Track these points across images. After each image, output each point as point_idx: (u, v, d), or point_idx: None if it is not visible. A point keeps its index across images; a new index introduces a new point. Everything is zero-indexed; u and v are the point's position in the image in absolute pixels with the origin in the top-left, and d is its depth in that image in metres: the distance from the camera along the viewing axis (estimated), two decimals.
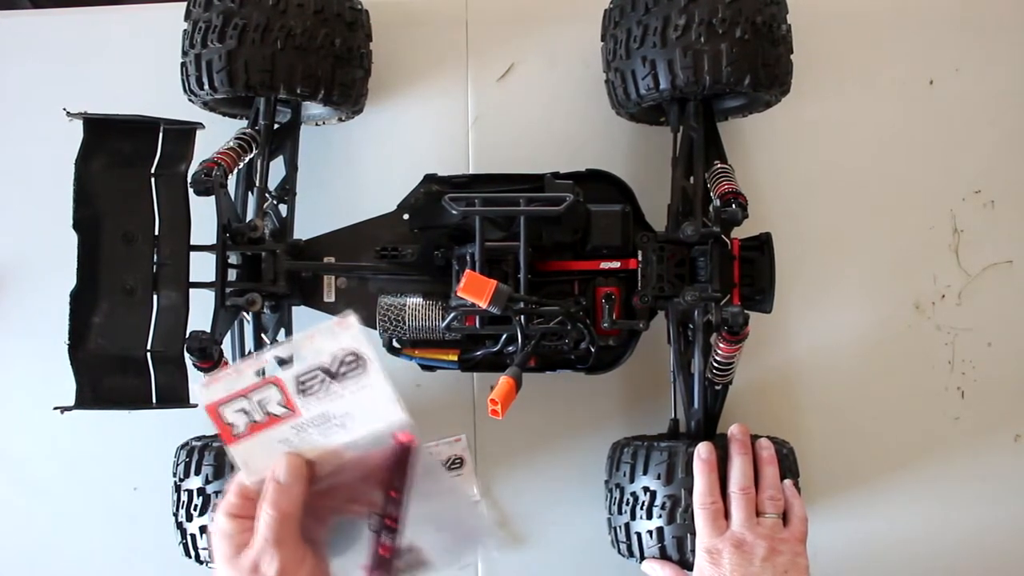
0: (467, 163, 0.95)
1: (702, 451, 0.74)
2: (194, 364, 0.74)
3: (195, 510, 0.77)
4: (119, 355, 0.74)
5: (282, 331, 0.84)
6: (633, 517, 0.77)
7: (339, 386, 0.56)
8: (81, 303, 0.74)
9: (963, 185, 0.94)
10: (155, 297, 0.76)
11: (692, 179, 0.83)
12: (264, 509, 0.56)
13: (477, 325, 0.78)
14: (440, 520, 0.62)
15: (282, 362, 0.56)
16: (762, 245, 0.81)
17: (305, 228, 0.86)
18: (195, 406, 0.70)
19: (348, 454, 0.58)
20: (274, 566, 0.55)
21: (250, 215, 0.83)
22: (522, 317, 0.75)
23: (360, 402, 0.56)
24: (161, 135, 0.76)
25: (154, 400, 0.74)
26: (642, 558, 0.78)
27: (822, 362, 0.93)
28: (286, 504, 0.56)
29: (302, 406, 0.56)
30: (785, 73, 0.81)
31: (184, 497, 0.77)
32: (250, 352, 0.81)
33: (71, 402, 0.72)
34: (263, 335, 0.81)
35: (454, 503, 0.63)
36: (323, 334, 0.56)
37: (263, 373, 0.57)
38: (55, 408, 0.71)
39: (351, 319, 0.56)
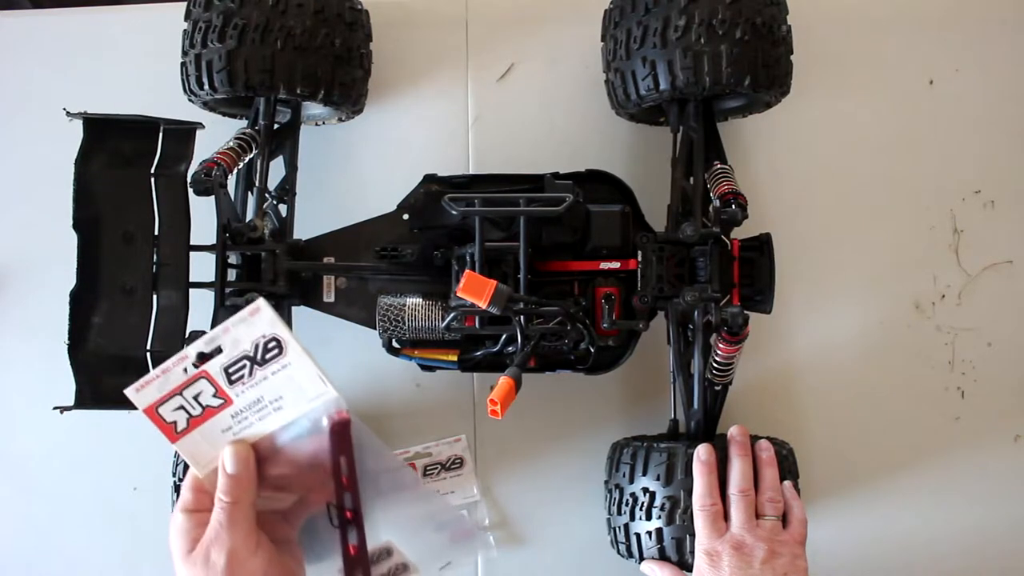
0: (467, 163, 0.95)
1: (701, 453, 0.74)
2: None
3: None
4: (119, 355, 0.74)
5: None
6: (632, 518, 0.77)
7: (265, 371, 0.57)
8: (81, 303, 0.74)
9: (963, 185, 0.94)
10: (155, 297, 0.76)
11: (692, 179, 0.83)
12: (217, 497, 0.57)
13: (477, 325, 0.78)
14: (415, 520, 0.62)
15: (204, 356, 0.57)
16: (762, 245, 0.81)
17: (305, 228, 0.86)
18: None
19: (286, 435, 0.59)
20: (223, 551, 0.55)
21: (250, 215, 0.83)
22: (522, 317, 0.75)
23: (288, 383, 0.57)
24: (161, 135, 0.76)
25: None
26: (641, 559, 0.78)
27: (822, 362, 0.92)
28: (236, 490, 0.56)
29: (235, 394, 0.57)
30: (785, 74, 0.81)
31: None
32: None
33: (71, 402, 0.72)
34: None
35: (422, 498, 0.63)
36: (238, 324, 0.56)
37: (189, 370, 0.57)
38: (55, 408, 0.72)
39: (262, 305, 0.56)
